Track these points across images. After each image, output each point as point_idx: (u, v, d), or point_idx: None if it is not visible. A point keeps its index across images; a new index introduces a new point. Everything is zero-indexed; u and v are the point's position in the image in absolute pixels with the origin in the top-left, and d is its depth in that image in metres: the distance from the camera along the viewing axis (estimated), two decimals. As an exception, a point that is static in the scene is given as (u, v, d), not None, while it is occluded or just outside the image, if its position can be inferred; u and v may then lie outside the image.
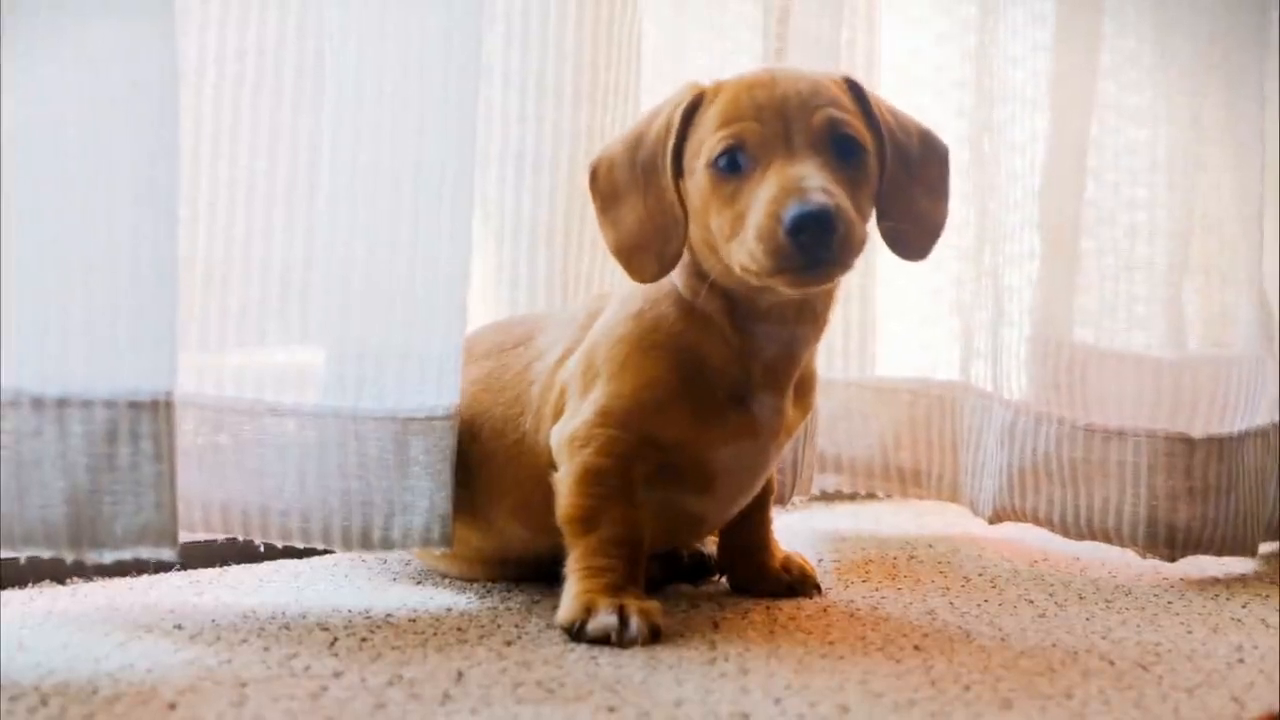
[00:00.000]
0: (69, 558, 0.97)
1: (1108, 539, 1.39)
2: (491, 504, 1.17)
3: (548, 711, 0.86)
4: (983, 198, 1.49)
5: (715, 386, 1.09)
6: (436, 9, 1.11)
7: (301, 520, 1.13)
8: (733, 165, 1.03)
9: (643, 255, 1.08)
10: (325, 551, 1.28)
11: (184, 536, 1.20)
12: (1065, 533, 1.41)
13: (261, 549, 1.26)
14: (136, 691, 0.88)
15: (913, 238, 1.11)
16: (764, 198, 0.99)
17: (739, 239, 1.01)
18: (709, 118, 1.05)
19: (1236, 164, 1.45)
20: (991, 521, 1.45)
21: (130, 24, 0.98)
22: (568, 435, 1.09)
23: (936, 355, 1.62)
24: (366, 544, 1.13)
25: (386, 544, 1.14)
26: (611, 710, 0.86)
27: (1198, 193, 1.45)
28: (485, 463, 1.16)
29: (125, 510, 0.98)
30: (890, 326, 1.64)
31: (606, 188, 1.10)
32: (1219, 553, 1.38)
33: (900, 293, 1.63)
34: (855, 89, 1.09)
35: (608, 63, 1.37)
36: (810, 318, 1.10)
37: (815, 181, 0.99)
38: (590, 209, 1.14)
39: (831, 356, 1.56)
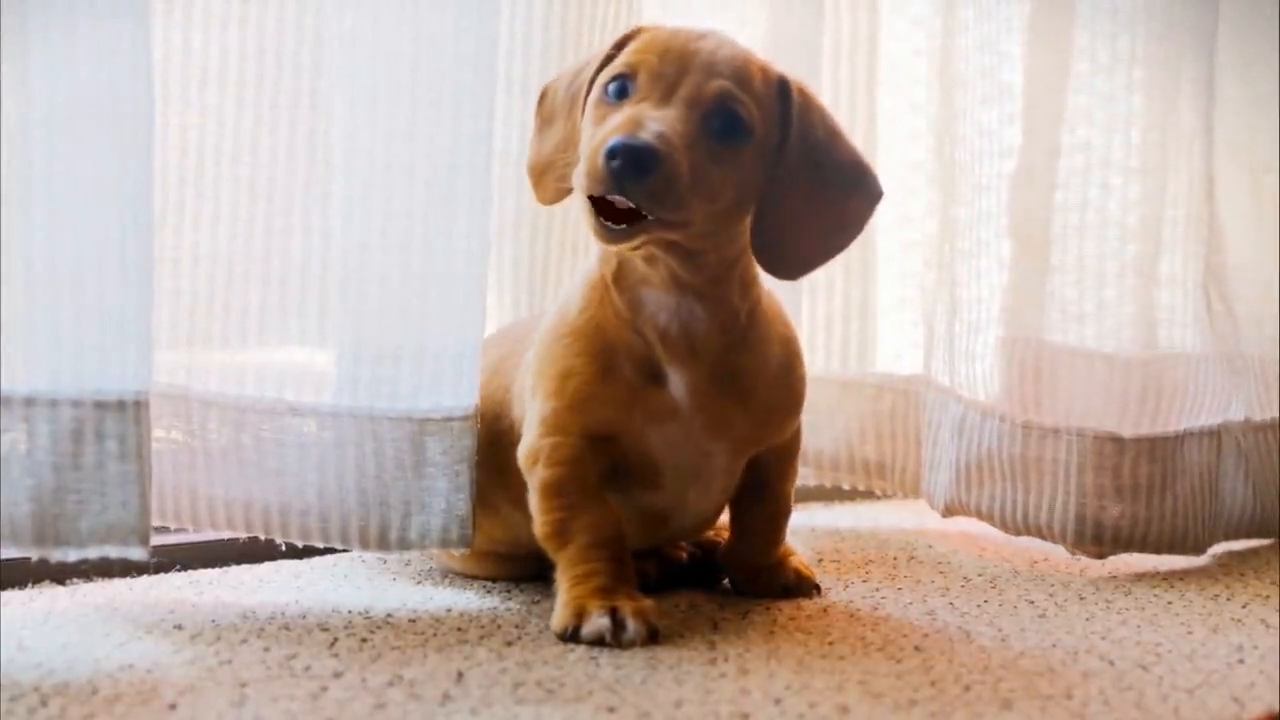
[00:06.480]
0: (34, 556, 0.98)
1: (1041, 535, 1.39)
2: (496, 490, 1.17)
3: (548, 711, 0.86)
4: (944, 198, 1.49)
5: (624, 363, 1.08)
6: (450, 6, 1.12)
7: (320, 520, 1.13)
8: (620, 92, 1.03)
9: (548, 176, 1.10)
10: (325, 551, 1.28)
11: (208, 535, 1.22)
12: (1004, 528, 1.41)
13: (261, 547, 1.26)
14: (136, 691, 0.88)
15: (783, 252, 1.08)
16: (609, 125, 1.00)
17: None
18: (627, 49, 1.06)
19: (1178, 164, 1.45)
20: (944, 515, 1.46)
21: (106, 23, 0.97)
22: (524, 453, 1.10)
23: (902, 349, 1.61)
24: (384, 544, 1.14)
25: (404, 544, 1.14)
26: (611, 710, 0.86)
27: (1154, 191, 1.44)
28: (489, 447, 1.16)
29: (91, 509, 0.98)
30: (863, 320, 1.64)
31: (547, 110, 1.13)
32: (1156, 551, 1.38)
33: (875, 286, 1.62)
34: (783, 87, 1.07)
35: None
36: (694, 289, 1.07)
37: (656, 125, 0.98)
38: (558, 207, 1.17)
39: (814, 352, 1.55)
